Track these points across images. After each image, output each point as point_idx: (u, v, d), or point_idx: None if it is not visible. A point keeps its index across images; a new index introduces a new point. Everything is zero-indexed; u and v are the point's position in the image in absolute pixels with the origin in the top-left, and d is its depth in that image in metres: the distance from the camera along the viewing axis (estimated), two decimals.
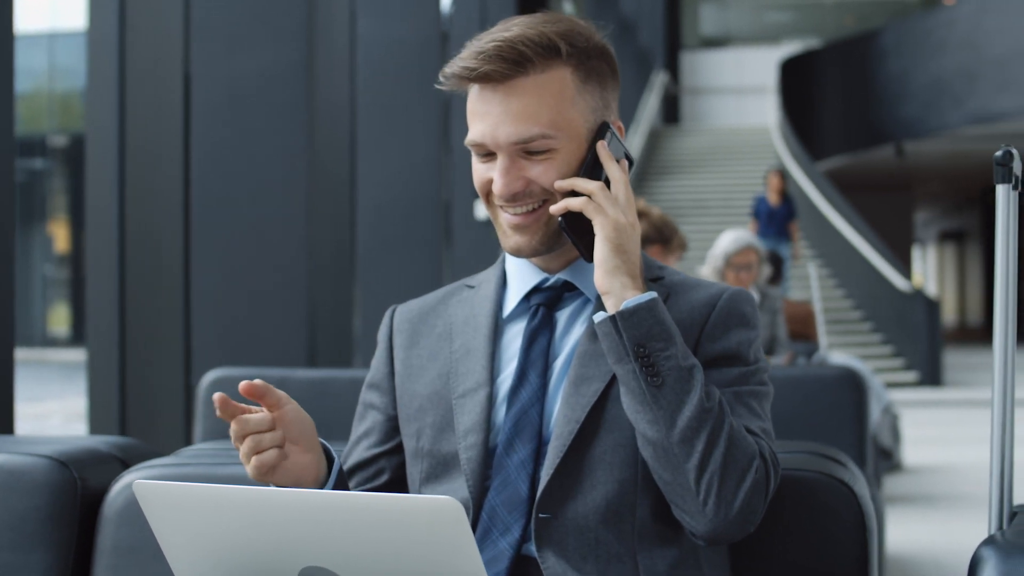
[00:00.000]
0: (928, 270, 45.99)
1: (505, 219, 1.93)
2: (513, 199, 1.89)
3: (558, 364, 1.93)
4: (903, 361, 15.82)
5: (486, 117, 1.88)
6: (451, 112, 11.32)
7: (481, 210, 12.28)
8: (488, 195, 1.94)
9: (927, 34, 23.12)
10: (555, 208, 1.88)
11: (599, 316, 1.83)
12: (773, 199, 14.60)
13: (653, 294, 1.82)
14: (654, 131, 24.26)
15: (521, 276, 2.01)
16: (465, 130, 1.92)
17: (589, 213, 1.86)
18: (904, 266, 17.09)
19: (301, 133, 6.05)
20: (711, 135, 26.11)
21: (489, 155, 1.91)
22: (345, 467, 2.05)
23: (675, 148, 23.96)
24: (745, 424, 1.85)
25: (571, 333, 1.96)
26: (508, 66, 1.84)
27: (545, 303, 1.97)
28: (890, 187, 29.74)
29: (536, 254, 1.95)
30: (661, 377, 1.78)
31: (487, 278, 2.07)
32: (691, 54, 31.64)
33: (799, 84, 26.04)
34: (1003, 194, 1.84)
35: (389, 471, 2.05)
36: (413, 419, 1.99)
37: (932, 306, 15.75)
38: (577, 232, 1.89)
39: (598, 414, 1.86)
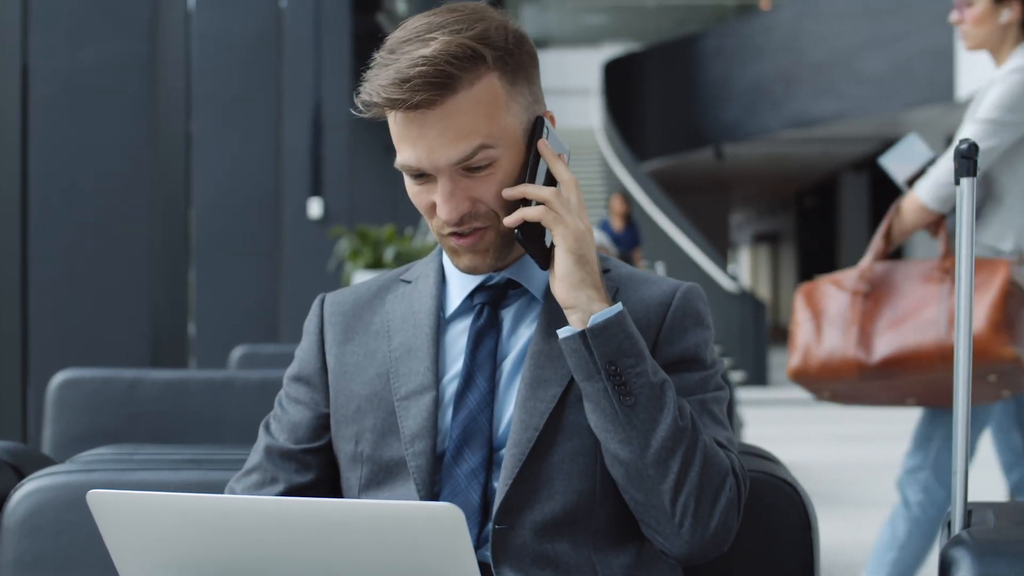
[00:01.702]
0: (741, 272, 46.92)
1: (455, 241, 1.82)
2: (461, 222, 1.78)
3: (507, 366, 1.84)
4: (730, 361, 16.06)
5: (419, 141, 1.75)
6: (284, 107, 11.14)
7: (315, 208, 12.10)
8: (433, 218, 1.83)
9: (746, 39, 23.55)
10: (510, 220, 1.77)
11: (565, 332, 1.75)
12: (616, 224, 14.00)
13: (620, 306, 1.75)
14: None
15: (462, 273, 1.90)
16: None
17: (547, 223, 1.77)
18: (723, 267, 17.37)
19: (144, 128, 5.88)
20: None
21: (423, 176, 1.79)
22: (262, 449, 1.93)
23: None
24: (713, 435, 1.79)
25: (518, 333, 1.87)
26: (437, 91, 1.71)
27: (489, 302, 1.88)
28: (709, 189, 30.27)
29: (492, 270, 1.86)
30: (633, 396, 1.71)
31: (423, 272, 1.96)
32: None
33: (622, 86, 26.32)
34: (967, 187, 1.80)
35: (316, 469, 1.91)
36: (351, 421, 1.88)
37: (759, 307, 16.02)
38: (531, 240, 1.79)
39: (556, 420, 1.78)
